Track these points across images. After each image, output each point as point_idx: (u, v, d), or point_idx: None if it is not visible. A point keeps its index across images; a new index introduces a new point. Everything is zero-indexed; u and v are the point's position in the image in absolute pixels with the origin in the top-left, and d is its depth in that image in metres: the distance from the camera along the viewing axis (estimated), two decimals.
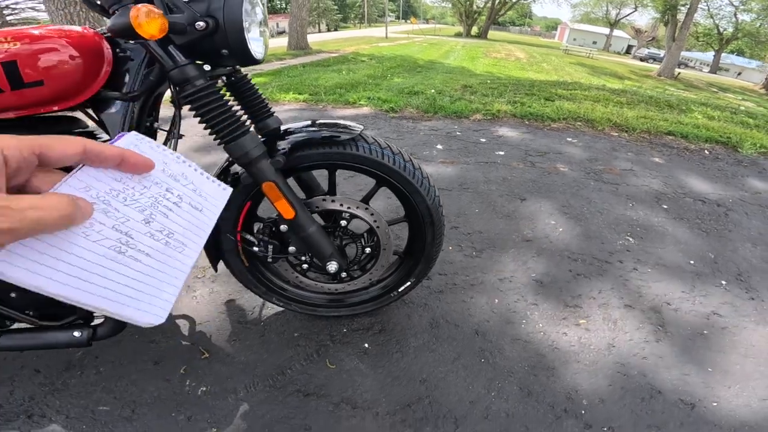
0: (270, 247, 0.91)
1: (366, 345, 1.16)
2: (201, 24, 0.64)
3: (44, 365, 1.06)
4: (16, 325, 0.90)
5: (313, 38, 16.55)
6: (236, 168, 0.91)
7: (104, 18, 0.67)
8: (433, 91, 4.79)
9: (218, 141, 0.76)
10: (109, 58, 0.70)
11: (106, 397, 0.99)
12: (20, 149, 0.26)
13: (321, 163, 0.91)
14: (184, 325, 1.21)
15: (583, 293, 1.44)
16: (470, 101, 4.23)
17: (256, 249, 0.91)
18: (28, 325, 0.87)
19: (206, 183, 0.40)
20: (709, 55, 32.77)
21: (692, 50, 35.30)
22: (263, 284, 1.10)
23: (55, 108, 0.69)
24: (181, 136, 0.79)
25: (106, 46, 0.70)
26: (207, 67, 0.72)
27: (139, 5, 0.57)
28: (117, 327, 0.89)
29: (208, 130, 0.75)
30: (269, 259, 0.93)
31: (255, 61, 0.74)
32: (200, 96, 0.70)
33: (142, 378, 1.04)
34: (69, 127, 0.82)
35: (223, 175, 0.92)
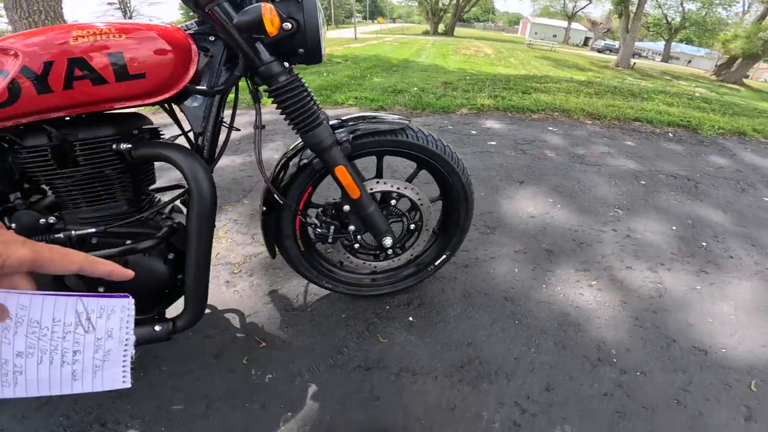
0: (332, 227, 1.00)
1: (410, 318, 1.26)
2: (288, 25, 0.72)
3: None
4: None
5: None
6: (295, 160, 0.99)
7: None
8: (415, 88, 4.92)
9: (296, 130, 0.85)
10: (196, 54, 0.75)
11: (176, 395, 1.00)
12: (21, 263, 0.30)
13: (374, 150, 1.00)
14: (233, 319, 1.26)
15: (588, 259, 1.61)
16: (454, 97, 4.40)
17: (319, 230, 1.00)
18: None
19: (116, 368, 0.40)
20: (660, 45, 34.91)
21: (644, 40, 37.49)
22: (315, 268, 1.18)
23: (148, 101, 0.73)
24: (263, 127, 0.86)
25: (191, 40, 0.75)
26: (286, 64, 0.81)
27: (266, 3, 0.64)
28: (194, 318, 0.91)
29: (288, 121, 0.84)
30: (330, 239, 1.01)
31: (320, 60, 0.83)
32: (286, 90, 0.79)
33: (207, 373, 1.06)
34: (136, 123, 0.86)
35: (285, 165, 0.99)
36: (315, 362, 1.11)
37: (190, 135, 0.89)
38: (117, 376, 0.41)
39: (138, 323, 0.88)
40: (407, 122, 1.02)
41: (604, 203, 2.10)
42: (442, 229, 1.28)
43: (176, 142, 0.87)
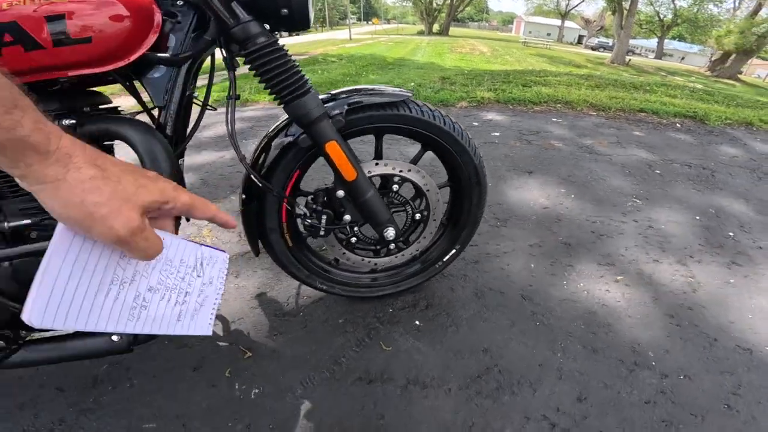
0: (324, 217, 0.85)
1: (417, 322, 1.11)
2: None
3: (67, 383, 0.92)
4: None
5: None
6: (279, 139, 0.85)
7: None
8: (413, 84, 4.79)
9: (279, 101, 0.71)
10: (159, 19, 0.63)
11: (148, 412, 0.87)
12: (183, 207, 0.37)
13: (372, 126, 0.85)
14: (216, 326, 1.11)
15: (611, 252, 1.46)
16: (452, 91, 4.27)
17: (309, 221, 0.84)
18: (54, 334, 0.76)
19: (205, 315, 0.46)
20: (653, 42, 35.02)
21: (637, 37, 37.56)
22: (306, 267, 1.03)
23: (96, 70, 0.61)
24: (238, 97, 0.73)
25: (155, 5, 0.63)
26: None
27: None
28: None
29: (269, 90, 0.71)
30: (322, 232, 0.86)
31: (307, 25, 0.72)
32: (263, 54, 0.67)
33: (184, 387, 0.93)
34: (87, 100, 0.73)
35: (267, 146, 0.85)
36: (308, 375, 0.96)
37: (155, 114, 0.76)
38: (204, 323, 0.46)
39: (90, 335, 0.75)
40: (410, 94, 0.88)
41: (620, 193, 1.96)
42: (451, 219, 1.13)
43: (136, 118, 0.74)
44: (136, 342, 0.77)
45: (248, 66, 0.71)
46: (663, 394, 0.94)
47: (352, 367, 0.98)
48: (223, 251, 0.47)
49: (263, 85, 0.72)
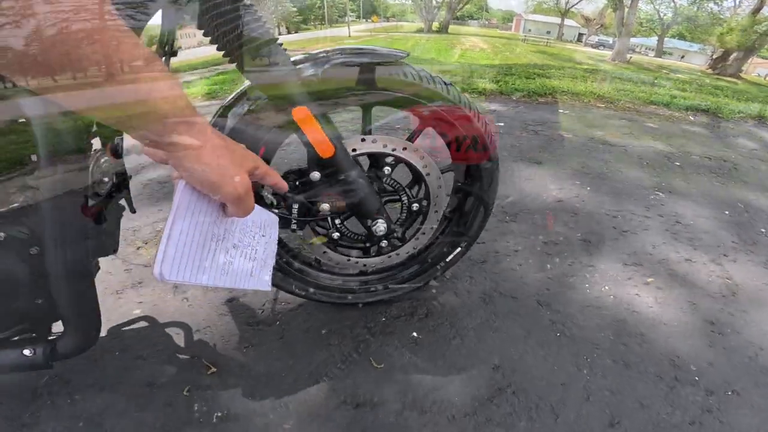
0: (295, 206, 0.67)
1: (414, 334, 0.94)
2: None
3: (4, 395, 0.78)
4: None
5: None
6: (237, 108, 0.67)
7: None
8: None
9: (230, 57, 0.54)
10: None
11: None
12: (262, 173, 0.45)
13: (357, 94, 0.68)
14: (177, 336, 0.94)
15: (637, 250, 1.29)
16: (454, 83, 4.10)
17: (277, 210, 0.67)
18: None
19: (267, 271, 0.52)
20: (653, 41, 34.75)
21: (637, 36, 37.21)
22: (279, 267, 0.85)
23: None
24: (174, 54, 0.57)
25: None
26: None
27: None
28: (82, 340, 0.63)
29: (216, 44, 0.54)
30: (293, 225, 0.68)
31: None
32: None
33: (134, 406, 0.77)
34: None
35: (224, 113, 0.67)
36: (283, 396, 0.79)
37: None
38: (266, 280, 0.53)
39: (2, 346, 0.62)
40: (405, 55, 0.71)
41: (640, 185, 1.79)
42: (455, 210, 0.96)
43: None
44: (54, 357, 0.62)
45: (187, 14, 0.54)
46: (710, 414, 0.79)
47: (336, 388, 0.81)
48: (274, 214, 0.52)
49: (209, 39, 0.55)
